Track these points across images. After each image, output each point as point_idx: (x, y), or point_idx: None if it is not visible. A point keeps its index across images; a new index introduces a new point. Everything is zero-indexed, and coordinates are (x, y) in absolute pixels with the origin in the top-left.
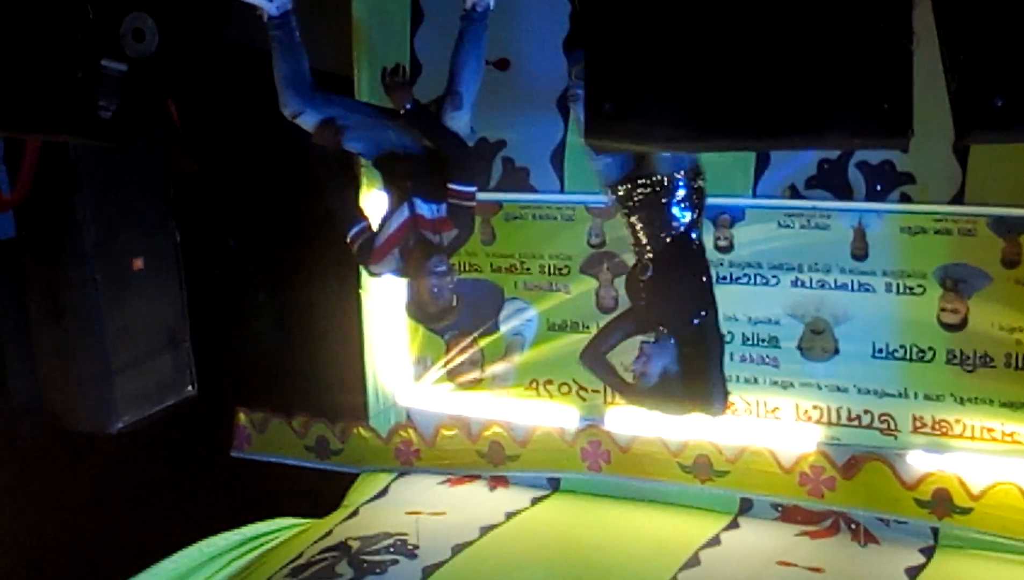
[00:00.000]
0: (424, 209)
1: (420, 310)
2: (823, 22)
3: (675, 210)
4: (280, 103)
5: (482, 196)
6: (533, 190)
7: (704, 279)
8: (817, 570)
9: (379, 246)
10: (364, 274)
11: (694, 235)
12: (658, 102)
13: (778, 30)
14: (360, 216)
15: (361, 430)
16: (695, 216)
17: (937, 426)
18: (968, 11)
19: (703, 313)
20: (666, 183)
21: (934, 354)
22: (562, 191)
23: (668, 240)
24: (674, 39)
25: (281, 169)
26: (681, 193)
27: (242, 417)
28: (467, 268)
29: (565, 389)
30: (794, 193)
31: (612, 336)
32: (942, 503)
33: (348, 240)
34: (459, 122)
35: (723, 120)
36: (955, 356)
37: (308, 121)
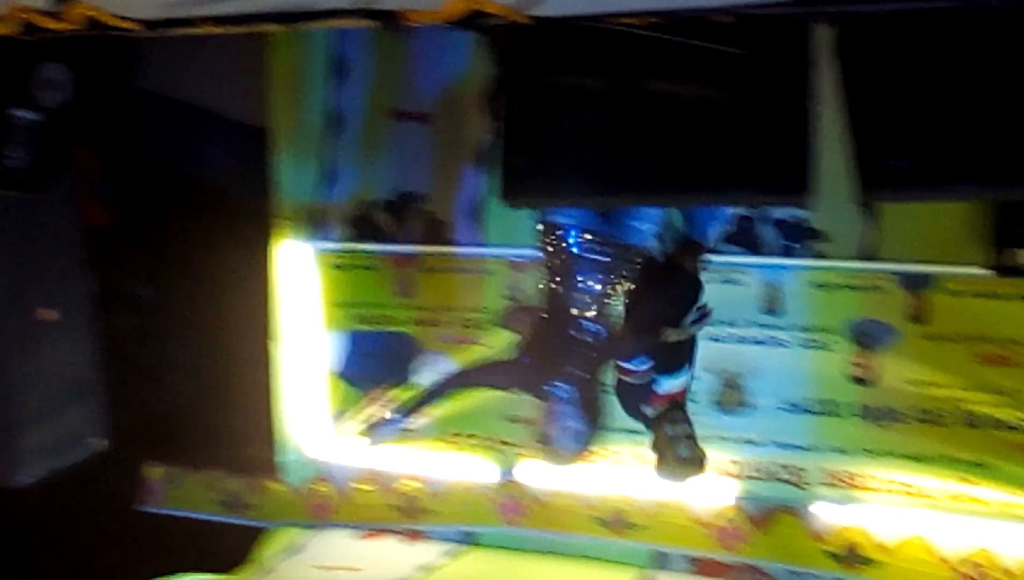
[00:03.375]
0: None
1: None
2: (727, 83)
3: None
4: None
5: (402, 249)
6: (453, 243)
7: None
8: None
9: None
10: (278, 325)
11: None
12: (571, 159)
13: (684, 90)
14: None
15: (274, 484)
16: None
17: (848, 479)
18: (867, 72)
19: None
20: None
21: (845, 408)
22: (483, 245)
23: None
24: (586, 97)
25: (196, 221)
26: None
27: (152, 471)
28: (384, 321)
29: (484, 443)
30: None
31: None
32: (853, 555)
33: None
34: None
35: (632, 177)
36: (865, 410)
37: None
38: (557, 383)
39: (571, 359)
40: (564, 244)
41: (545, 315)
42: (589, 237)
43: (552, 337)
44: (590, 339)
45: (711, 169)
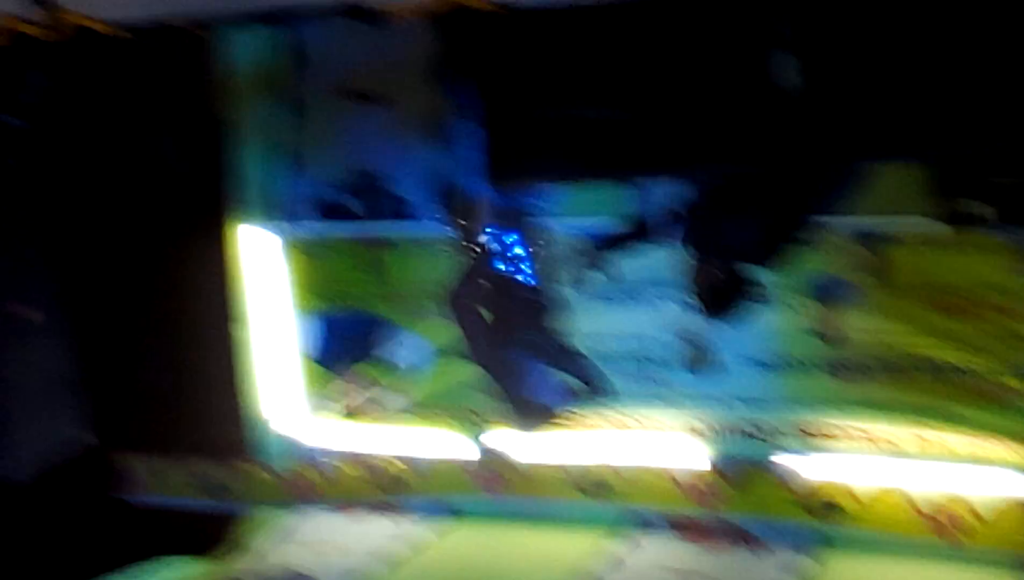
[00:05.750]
0: None
1: None
2: (694, 48)
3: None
4: None
5: (368, 229)
6: (418, 221)
7: None
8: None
9: None
10: (249, 311)
11: None
12: (553, 139)
13: (653, 60)
14: None
15: (255, 467)
16: None
17: (818, 432)
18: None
19: None
20: None
21: (811, 363)
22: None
23: None
24: (566, 82)
25: (162, 213)
26: None
27: (134, 460)
28: (354, 301)
29: (460, 416)
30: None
31: None
32: (828, 507)
33: None
34: None
35: (612, 157)
36: (830, 364)
37: None
38: (521, 348)
39: (524, 321)
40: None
41: (485, 291)
42: (506, 211)
43: (500, 308)
44: (530, 296)
45: (680, 137)
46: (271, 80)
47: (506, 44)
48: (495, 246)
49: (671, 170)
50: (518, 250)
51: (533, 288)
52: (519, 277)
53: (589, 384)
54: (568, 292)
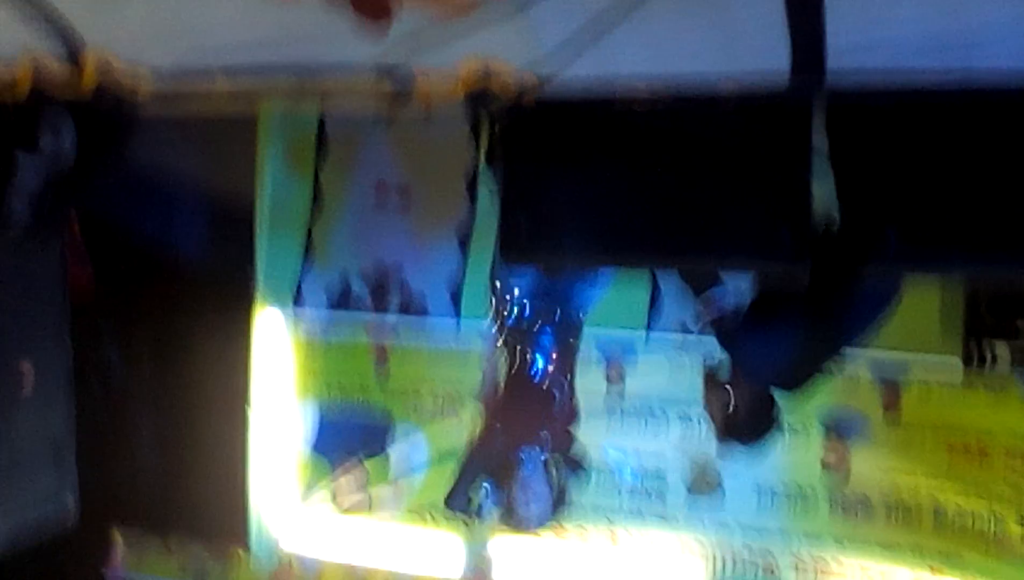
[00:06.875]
0: None
1: None
2: (728, 149)
3: None
4: None
5: (379, 321)
6: (430, 316)
7: None
8: None
9: None
10: (255, 396)
11: None
12: (571, 220)
13: (686, 155)
14: None
15: (240, 554)
16: None
17: (816, 566)
18: (857, 149)
19: None
20: None
21: (816, 495)
22: (459, 318)
23: None
24: (587, 159)
25: (175, 289)
26: None
27: (117, 535)
28: (359, 393)
29: (451, 516)
30: (685, 330)
31: None
32: None
33: None
34: None
35: (631, 239)
36: (836, 498)
37: None
38: (526, 448)
39: (538, 422)
40: (517, 307)
41: (507, 382)
42: (541, 300)
43: (517, 401)
44: (554, 399)
45: (708, 233)
46: (294, 160)
47: (526, 117)
48: (525, 344)
49: (696, 261)
50: (547, 352)
51: (557, 389)
52: (543, 378)
53: (562, 495)
54: (584, 399)
